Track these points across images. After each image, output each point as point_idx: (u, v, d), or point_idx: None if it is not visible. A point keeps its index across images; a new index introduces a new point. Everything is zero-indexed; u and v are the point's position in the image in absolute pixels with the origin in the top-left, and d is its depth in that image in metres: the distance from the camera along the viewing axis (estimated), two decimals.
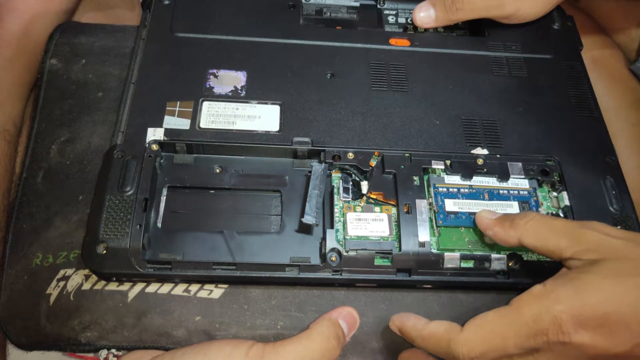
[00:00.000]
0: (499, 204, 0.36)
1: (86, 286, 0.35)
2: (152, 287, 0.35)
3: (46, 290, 0.36)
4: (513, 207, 0.36)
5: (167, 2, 0.42)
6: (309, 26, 0.43)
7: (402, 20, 0.46)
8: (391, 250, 0.34)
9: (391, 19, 0.46)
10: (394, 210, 0.36)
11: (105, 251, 0.32)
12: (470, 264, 0.34)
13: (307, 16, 0.45)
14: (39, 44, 0.45)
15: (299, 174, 0.37)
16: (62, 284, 0.36)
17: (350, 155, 0.37)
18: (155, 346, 0.35)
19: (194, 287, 0.35)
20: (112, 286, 0.35)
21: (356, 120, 0.38)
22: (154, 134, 0.36)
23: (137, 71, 0.39)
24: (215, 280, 0.34)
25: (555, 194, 0.37)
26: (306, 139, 0.37)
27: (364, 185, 0.36)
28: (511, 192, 0.37)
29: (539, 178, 0.37)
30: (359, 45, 0.42)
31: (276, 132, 0.37)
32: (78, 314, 0.35)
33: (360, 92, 0.40)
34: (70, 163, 0.40)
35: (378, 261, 0.34)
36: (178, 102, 0.37)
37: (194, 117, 0.37)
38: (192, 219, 0.35)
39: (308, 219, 0.33)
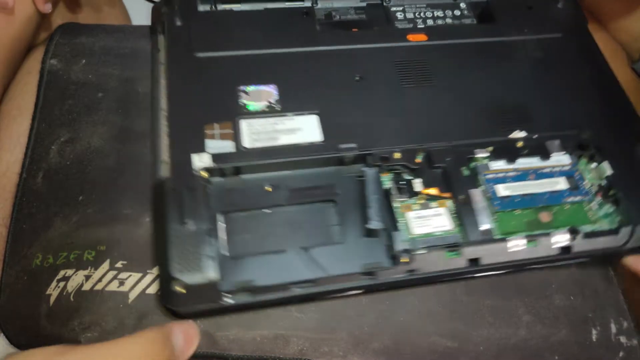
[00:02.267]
0: (547, 182, 0.37)
1: (86, 287, 0.35)
2: (153, 288, 0.35)
3: (46, 290, 0.35)
4: (560, 183, 0.37)
5: (179, 24, 0.41)
6: (326, 31, 0.43)
7: (410, 15, 0.46)
8: (458, 242, 0.34)
9: (399, 15, 0.46)
10: (449, 203, 0.36)
11: (183, 289, 0.31)
12: (533, 244, 0.35)
13: (321, 21, 0.44)
14: (15, 38, 0.44)
15: (348, 181, 0.36)
16: (62, 284, 0.35)
17: (397, 155, 0.37)
18: None
19: None
20: (113, 287, 0.35)
21: (394, 119, 0.38)
22: (200, 160, 0.35)
23: (165, 97, 0.37)
24: (295, 301, 0.34)
25: (595, 164, 0.39)
26: (352, 145, 0.36)
27: (417, 183, 0.36)
28: (555, 169, 0.38)
29: (577, 152, 0.39)
30: (379, 45, 0.42)
31: (320, 141, 0.37)
32: (78, 315, 0.34)
33: (391, 91, 0.40)
34: (70, 163, 0.39)
35: (447, 255, 0.34)
36: (216, 124, 0.36)
37: (236, 137, 0.36)
38: (254, 241, 0.34)
39: (375, 224, 0.33)
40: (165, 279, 0.32)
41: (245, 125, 0.37)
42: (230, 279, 0.32)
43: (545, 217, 0.36)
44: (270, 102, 0.38)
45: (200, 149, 0.35)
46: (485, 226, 0.35)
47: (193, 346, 0.31)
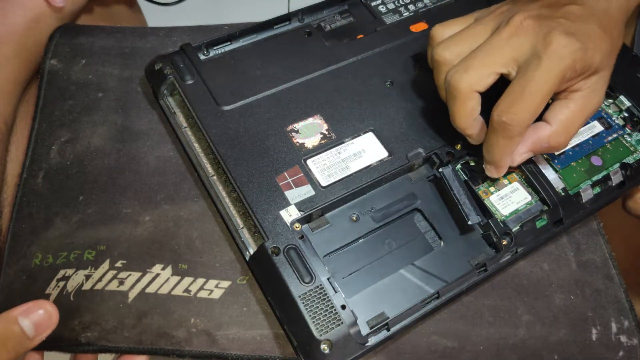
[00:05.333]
0: (584, 129, 0.40)
1: (86, 286, 0.35)
2: (152, 287, 0.36)
3: (45, 290, 0.36)
4: (596, 127, 0.41)
5: (190, 82, 0.38)
6: (337, 46, 0.42)
7: (391, 6, 0.47)
8: (542, 209, 0.36)
9: (382, 9, 0.46)
10: (516, 175, 0.38)
11: (329, 347, 0.30)
12: (598, 189, 0.38)
13: (326, 36, 0.43)
14: (39, 43, 0.45)
15: (422, 186, 0.37)
16: (62, 284, 0.36)
17: (459, 147, 0.38)
18: (155, 347, 0.35)
19: (194, 287, 0.36)
20: (113, 286, 0.35)
21: (437, 112, 0.39)
22: (289, 214, 0.34)
23: (223, 162, 0.35)
24: (425, 317, 0.34)
25: (610, 100, 0.42)
26: (418, 150, 0.37)
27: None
28: None
29: None
30: (390, 44, 0.42)
31: (388, 156, 0.37)
32: (78, 314, 0.35)
33: (422, 85, 0.40)
34: (71, 163, 0.40)
35: (539, 224, 0.36)
36: (285, 173, 0.35)
37: (310, 179, 0.35)
38: (363, 275, 0.34)
39: (475, 218, 0.34)
40: (309, 343, 0.31)
41: (312, 164, 0.36)
42: (362, 320, 0.32)
43: (596, 160, 0.39)
44: (323, 133, 0.37)
45: (284, 203, 0.34)
46: (559, 186, 0.37)
47: (50, 327, 0.29)
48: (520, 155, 0.34)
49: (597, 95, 0.33)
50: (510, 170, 0.38)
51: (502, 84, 0.32)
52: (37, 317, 0.28)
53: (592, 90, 0.33)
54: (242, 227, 0.35)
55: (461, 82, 0.32)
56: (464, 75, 0.32)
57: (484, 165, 0.36)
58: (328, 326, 0.31)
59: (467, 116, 0.33)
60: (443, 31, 0.35)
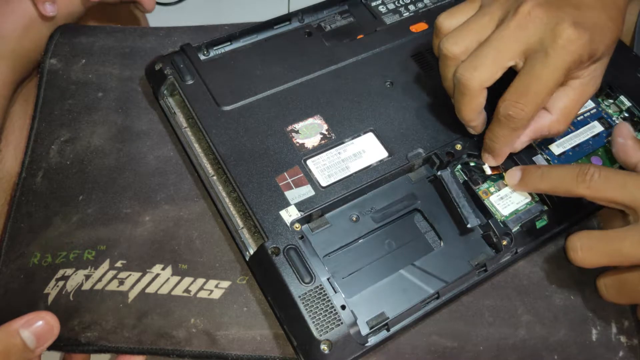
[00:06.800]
0: (584, 129, 0.40)
1: (86, 286, 0.35)
2: (152, 288, 0.36)
3: (44, 289, 0.36)
4: (596, 127, 0.41)
5: (191, 82, 0.38)
6: (337, 46, 0.42)
7: (391, 6, 0.47)
8: (542, 210, 0.36)
9: (382, 9, 0.46)
10: None
11: (329, 347, 0.30)
12: None
13: (326, 37, 0.43)
14: (33, 48, 0.45)
15: (422, 186, 0.37)
16: (61, 283, 0.36)
17: (459, 147, 0.38)
18: (155, 347, 0.35)
19: (194, 287, 0.36)
20: (113, 286, 0.35)
21: (436, 112, 0.39)
22: (289, 215, 0.34)
23: (223, 162, 0.35)
24: (425, 317, 0.34)
25: (611, 100, 0.42)
26: (418, 150, 0.37)
27: (487, 168, 0.38)
28: (585, 115, 0.41)
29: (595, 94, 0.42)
30: (390, 44, 0.42)
31: (388, 157, 0.37)
32: (78, 314, 0.35)
33: (424, 86, 0.40)
34: (70, 163, 0.40)
35: (539, 224, 0.36)
36: (285, 174, 0.35)
37: (310, 179, 0.35)
38: (364, 275, 0.34)
39: (474, 222, 0.34)
40: (309, 343, 0.31)
41: (312, 164, 0.36)
42: (362, 320, 0.32)
43: (596, 161, 0.39)
44: (323, 134, 0.37)
45: (285, 203, 0.34)
46: None
47: (51, 338, 0.29)
48: (521, 143, 0.35)
49: (596, 82, 0.33)
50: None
51: (505, 72, 0.32)
52: (37, 329, 0.28)
53: (592, 78, 0.33)
54: (242, 227, 0.35)
55: (472, 80, 0.32)
56: (475, 73, 0.32)
57: (482, 154, 0.36)
58: (328, 326, 0.31)
59: (473, 110, 0.34)
60: (450, 22, 0.35)
